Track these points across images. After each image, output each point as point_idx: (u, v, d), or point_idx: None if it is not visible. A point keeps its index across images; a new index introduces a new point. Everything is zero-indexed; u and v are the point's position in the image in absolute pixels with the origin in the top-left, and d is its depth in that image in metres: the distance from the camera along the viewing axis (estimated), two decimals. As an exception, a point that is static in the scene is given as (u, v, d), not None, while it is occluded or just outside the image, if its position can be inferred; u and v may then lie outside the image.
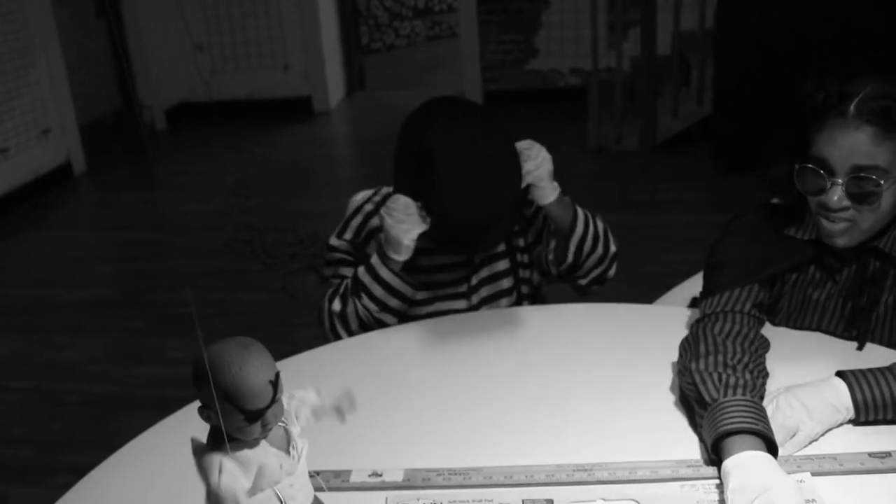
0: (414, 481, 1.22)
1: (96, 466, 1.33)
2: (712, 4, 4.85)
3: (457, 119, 1.61)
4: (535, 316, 1.75)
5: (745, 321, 1.42)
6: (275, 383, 0.91)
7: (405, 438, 1.34)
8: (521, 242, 1.85)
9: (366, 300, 1.70)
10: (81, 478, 1.31)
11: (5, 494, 2.64)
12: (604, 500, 1.16)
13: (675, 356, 1.41)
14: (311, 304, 1.80)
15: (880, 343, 1.48)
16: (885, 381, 1.26)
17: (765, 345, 1.41)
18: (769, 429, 1.18)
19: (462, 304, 1.81)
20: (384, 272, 1.69)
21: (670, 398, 1.39)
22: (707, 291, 1.51)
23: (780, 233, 1.51)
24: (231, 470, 0.91)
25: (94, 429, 2.92)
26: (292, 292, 3.81)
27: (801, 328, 1.55)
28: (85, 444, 2.81)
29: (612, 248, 1.81)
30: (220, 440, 0.93)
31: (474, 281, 1.81)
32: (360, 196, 1.96)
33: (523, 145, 1.66)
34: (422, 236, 1.64)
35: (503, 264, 1.83)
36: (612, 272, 1.83)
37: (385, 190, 1.86)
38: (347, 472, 1.25)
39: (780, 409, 1.26)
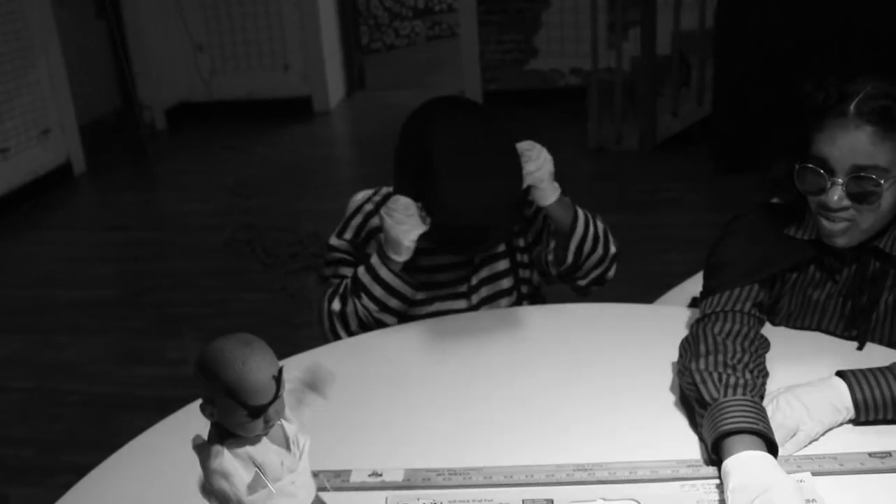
0: (414, 481, 1.22)
1: (96, 466, 1.33)
2: (712, 4, 4.85)
3: (457, 119, 1.61)
4: (535, 316, 1.75)
5: (746, 321, 1.42)
6: (278, 378, 0.91)
7: (405, 438, 1.34)
8: (521, 242, 1.85)
9: (365, 300, 1.70)
10: (81, 478, 1.31)
11: (5, 494, 2.64)
12: (604, 499, 1.16)
13: (675, 356, 1.41)
14: (311, 304, 1.80)
15: (880, 343, 1.48)
16: (885, 381, 1.26)
17: (765, 344, 1.41)
18: (769, 428, 1.18)
19: (462, 304, 1.81)
20: (384, 272, 1.69)
21: (670, 398, 1.39)
22: (707, 291, 1.51)
23: (780, 233, 1.51)
24: (230, 459, 0.91)
25: (94, 429, 2.92)
26: (292, 292, 3.81)
27: (801, 328, 1.55)
28: (85, 444, 2.81)
29: (612, 249, 1.80)
30: (222, 437, 0.93)
31: (474, 281, 1.81)
32: (360, 196, 1.96)
33: (524, 146, 1.66)
34: (422, 236, 1.64)
35: (503, 264, 1.83)
36: (611, 273, 1.83)
37: (385, 190, 1.85)
38: (347, 472, 1.24)
39: (781, 408, 1.26)
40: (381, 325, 1.73)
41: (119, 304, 3.87)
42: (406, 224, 1.62)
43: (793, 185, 1.44)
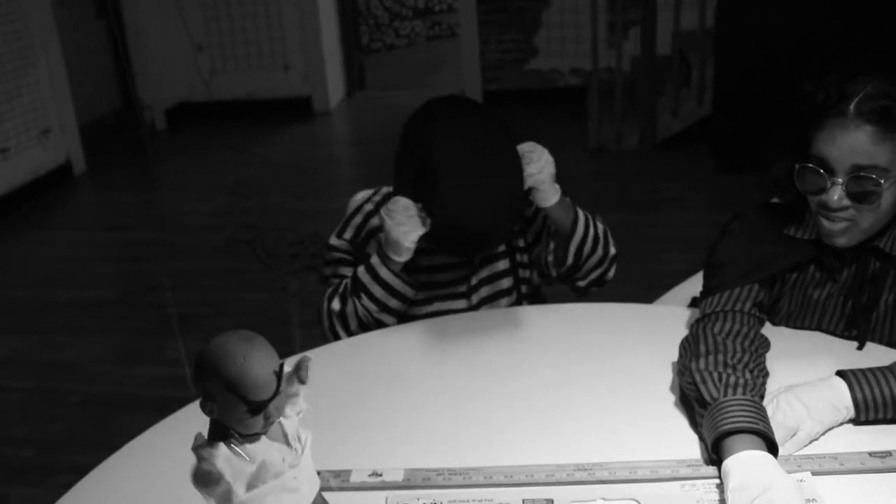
0: (414, 481, 1.22)
1: (96, 466, 1.33)
2: (712, 4, 4.85)
3: (457, 121, 1.61)
4: (535, 316, 1.75)
5: (746, 320, 1.42)
6: (279, 374, 0.91)
7: (405, 438, 1.34)
8: (521, 242, 1.85)
9: (365, 300, 1.70)
10: (81, 478, 1.31)
11: (5, 494, 2.64)
12: (604, 499, 1.16)
13: (675, 356, 1.41)
14: (312, 304, 1.80)
15: (880, 342, 1.48)
16: (885, 381, 1.26)
17: (765, 344, 1.41)
18: (769, 428, 1.18)
19: (462, 303, 1.81)
20: (384, 272, 1.68)
21: (670, 398, 1.39)
22: (707, 291, 1.51)
23: (780, 232, 1.51)
24: (226, 459, 0.91)
25: (94, 429, 2.92)
26: (293, 292, 3.80)
27: (801, 328, 1.55)
28: (85, 444, 2.81)
29: (612, 251, 1.80)
30: (222, 434, 0.93)
31: (474, 281, 1.81)
32: (361, 196, 1.96)
33: (526, 147, 1.65)
34: (422, 237, 1.64)
35: (503, 264, 1.82)
36: (611, 274, 1.83)
37: (385, 190, 1.85)
38: (347, 472, 1.24)
39: (781, 408, 1.26)
40: (380, 325, 1.73)
41: (119, 304, 3.87)
42: (407, 225, 1.61)
43: (793, 184, 1.44)
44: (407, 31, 9.30)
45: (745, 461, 1.12)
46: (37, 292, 4.07)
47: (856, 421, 1.27)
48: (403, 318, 1.76)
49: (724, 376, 1.26)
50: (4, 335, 3.64)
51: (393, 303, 1.71)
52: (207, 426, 0.95)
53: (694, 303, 1.77)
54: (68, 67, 5.66)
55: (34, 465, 2.77)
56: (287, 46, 6.83)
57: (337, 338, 1.74)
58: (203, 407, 0.93)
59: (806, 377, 1.32)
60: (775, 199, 1.57)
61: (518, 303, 1.86)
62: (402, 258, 1.67)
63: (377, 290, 1.69)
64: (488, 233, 1.65)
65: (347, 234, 1.81)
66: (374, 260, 1.70)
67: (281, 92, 6.90)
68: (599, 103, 5.42)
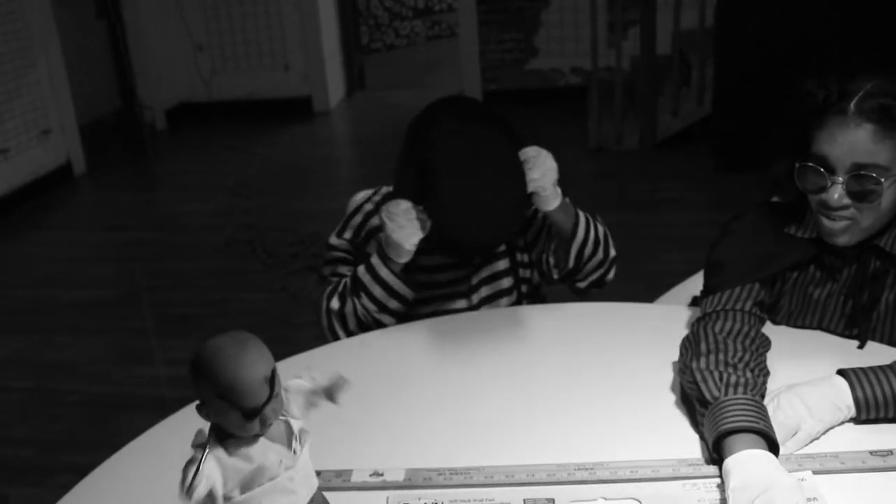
0: (415, 481, 1.22)
1: (97, 467, 1.33)
2: (712, 4, 4.85)
3: (461, 124, 1.59)
4: (535, 315, 1.75)
5: (746, 320, 1.42)
6: (271, 380, 0.90)
7: (406, 438, 1.34)
8: (521, 242, 1.84)
9: (365, 300, 1.70)
10: (81, 478, 1.31)
11: (5, 494, 2.64)
12: (605, 499, 1.16)
13: (675, 355, 1.41)
14: (312, 304, 1.80)
15: (881, 341, 1.48)
16: (886, 380, 1.26)
17: (766, 343, 1.41)
18: (770, 427, 1.18)
19: (462, 303, 1.81)
20: (384, 272, 1.68)
21: (671, 397, 1.39)
22: (707, 290, 1.51)
23: (780, 231, 1.51)
24: (221, 458, 0.91)
25: (94, 429, 2.92)
26: (293, 292, 3.80)
27: (802, 327, 1.54)
28: (85, 444, 2.81)
29: (612, 253, 1.80)
30: (221, 437, 0.93)
31: (474, 280, 1.81)
32: (361, 196, 1.96)
33: (530, 152, 1.64)
34: (423, 237, 1.64)
35: (503, 264, 1.82)
36: (610, 276, 1.83)
37: (385, 189, 1.85)
38: (349, 472, 1.24)
39: (782, 407, 1.25)
40: (379, 325, 1.73)
41: (119, 304, 3.87)
42: (407, 228, 1.61)
43: (793, 183, 1.44)
44: (407, 30, 9.30)
45: (745, 460, 1.12)
46: (37, 292, 4.07)
47: (857, 420, 1.27)
48: (404, 317, 1.75)
49: (725, 375, 1.26)
50: (4, 335, 3.64)
51: (392, 303, 1.71)
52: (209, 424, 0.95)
53: (694, 302, 1.77)
54: (68, 67, 5.66)
55: (34, 465, 2.77)
56: (287, 46, 6.84)
57: (336, 337, 1.74)
58: (199, 411, 0.93)
59: (807, 376, 1.32)
60: (776, 199, 1.57)
61: (518, 302, 1.86)
62: (403, 260, 1.66)
63: (377, 291, 1.69)
64: (488, 237, 1.65)
65: (347, 234, 1.81)
66: (374, 260, 1.70)
67: (281, 92, 6.91)
68: (599, 103, 5.42)
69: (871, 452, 1.20)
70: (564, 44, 6.56)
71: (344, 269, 1.79)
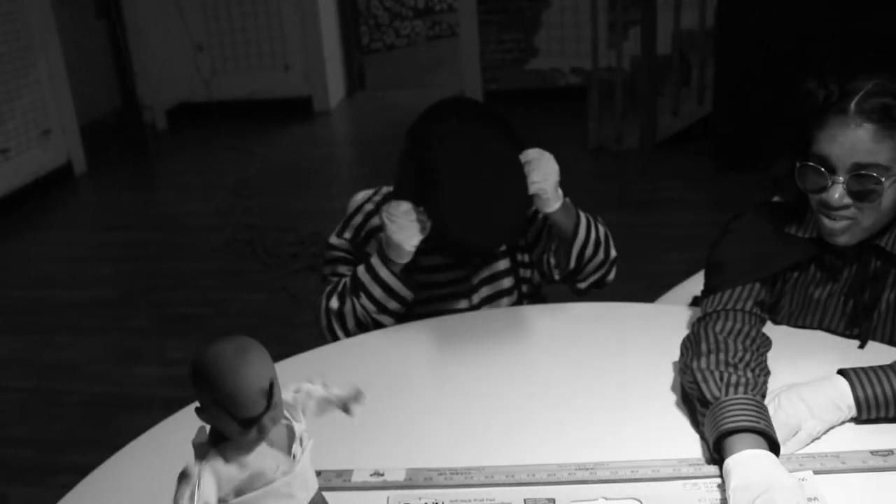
0: (416, 481, 1.22)
1: (97, 467, 1.33)
2: (712, 4, 4.85)
3: (462, 125, 1.58)
4: (536, 315, 1.75)
5: (747, 319, 1.42)
6: (269, 392, 0.90)
7: (407, 438, 1.34)
8: (522, 242, 1.84)
9: (364, 300, 1.69)
10: (81, 478, 1.31)
11: (5, 494, 2.64)
12: (605, 498, 1.16)
13: (676, 355, 1.41)
14: (312, 304, 1.80)
15: (882, 341, 1.48)
16: (886, 379, 1.26)
17: (766, 343, 1.41)
18: (771, 427, 1.18)
19: (462, 303, 1.81)
20: (384, 273, 1.68)
21: (672, 397, 1.39)
22: (708, 290, 1.51)
23: (780, 231, 1.51)
24: (215, 465, 0.90)
25: (94, 429, 2.92)
26: (293, 292, 3.80)
27: (802, 327, 1.54)
28: (85, 444, 2.81)
29: (613, 254, 1.80)
30: (219, 439, 0.93)
31: (474, 280, 1.81)
32: (361, 195, 1.96)
33: (532, 154, 1.63)
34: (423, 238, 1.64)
35: (503, 264, 1.82)
36: (611, 277, 1.83)
37: (385, 190, 1.85)
38: (349, 472, 1.24)
39: (782, 407, 1.25)
40: (378, 325, 1.72)
41: (119, 304, 3.87)
42: (408, 230, 1.61)
43: (794, 183, 1.44)
44: (407, 30, 9.30)
45: (746, 460, 1.12)
46: (37, 292, 4.07)
47: (857, 420, 1.27)
48: (404, 317, 1.75)
49: (726, 375, 1.26)
50: (4, 335, 3.64)
51: (392, 304, 1.70)
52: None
53: (695, 302, 1.77)
54: (68, 67, 5.66)
55: (34, 465, 2.76)
56: (287, 46, 6.83)
57: (335, 337, 1.74)
58: (198, 413, 0.93)
59: (807, 376, 1.32)
60: (776, 199, 1.57)
61: (519, 302, 1.85)
62: (403, 261, 1.66)
63: (376, 291, 1.69)
64: (489, 238, 1.64)
65: (347, 234, 1.81)
66: (374, 260, 1.70)
67: (281, 92, 6.91)
68: (599, 103, 5.42)
69: (872, 452, 1.20)
70: (565, 44, 6.56)
71: (344, 269, 1.79)
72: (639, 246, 3.66)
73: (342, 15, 7.28)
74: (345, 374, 1.53)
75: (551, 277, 1.83)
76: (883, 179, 1.34)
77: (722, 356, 1.31)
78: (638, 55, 5.45)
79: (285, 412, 0.97)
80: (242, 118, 6.80)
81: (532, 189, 1.62)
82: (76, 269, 4.31)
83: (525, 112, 5.64)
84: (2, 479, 2.70)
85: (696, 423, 1.29)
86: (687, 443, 1.27)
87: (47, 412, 3.06)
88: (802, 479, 1.15)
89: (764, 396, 1.28)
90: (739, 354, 1.32)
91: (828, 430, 1.26)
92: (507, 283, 1.83)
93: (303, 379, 1.03)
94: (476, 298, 1.81)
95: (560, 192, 1.67)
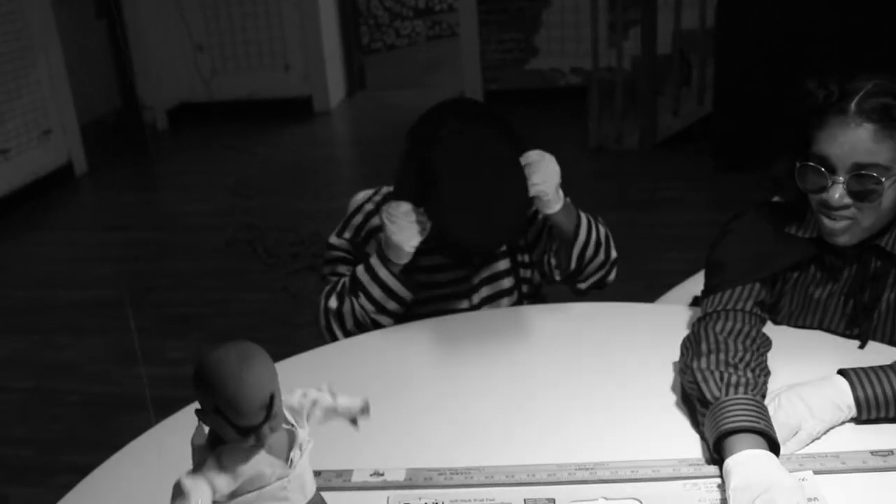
0: (416, 481, 1.22)
1: (97, 467, 1.33)
2: (713, 3, 4.84)
3: (464, 127, 1.58)
4: (536, 315, 1.75)
5: (747, 319, 1.42)
6: (269, 405, 0.89)
7: (407, 438, 1.34)
8: (522, 242, 1.84)
9: (363, 300, 1.69)
10: (81, 478, 1.31)
11: (5, 494, 2.64)
12: (606, 498, 1.16)
13: (676, 355, 1.41)
14: (313, 304, 1.80)
15: (882, 341, 1.48)
16: (886, 379, 1.26)
17: (766, 343, 1.41)
18: (771, 427, 1.18)
19: (463, 303, 1.81)
20: (383, 273, 1.68)
21: (672, 397, 1.39)
22: (708, 290, 1.51)
23: (780, 231, 1.51)
24: (199, 485, 0.90)
25: (94, 429, 2.92)
26: (294, 292, 3.80)
27: (802, 327, 1.54)
28: (85, 444, 2.81)
29: (613, 254, 1.80)
30: (218, 442, 0.93)
31: (475, 280, 1.81)
32: (361, 195, 1.96)
33: (534, 156, 1.63)
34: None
35: (504, 264, 1.82)
36: (611, 277, 1.83)
37: (385, 190, 1.85)
38: (349, 472, 1.24)
39: (782, 407, 1.25)
40: (377, 326, 1.72)
41: (119, 304, 3.87)
42: (407, 230, 1.61)
43: (794, 183, 1.44)
44: (407, 30, 9.30)
45: (746, 460, 1.12)
46: (37, 293, 4.07)
47: (858, 420, 1.27)
48: (404, 317, 1.75)
49: (726, 375, 1.26)
50: (5, 335, 3.64)
51: (391, 305, 1.70)
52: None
53: (695, 302, 1.77)
54: (68, 67, 5.66)
55: (34, 465, 2.76)
56: (287, 46, 6.84)
57: (333, 337, 1.73)
58: (198, 415, 0.92)
59: (807, 376, 1.32)
60: (776, 198, 1.57)
61: (519, 302, 1.85)
62: (402, 261, 1.66)
63: (375, 291, 1.69)
64: (488, 239, 1.64)
65: (347, 234, 1.80)
66: (374, 260, 1.69)
67: (281, 92, 6.91)
68: (600, 103, 5.42)
69: (872, 452, 1.20)
70: (565, 44, 6.55)
71: (343, 269, 1.79)
72: (639, 246, 3.66)
73: (342, 15, 7.28)
74: (344, 374, 1.54)
75: (552, 278, 1.83)
76: (883, 179, 1.34)
77: (722, 356, 1.31)
78: (638, 55, 5.45)
79: (289, 417, 0.97)
80: (243, 118, 6.80)
81: (533, 191, 1.62)
82: (76, 269, 4.31)
83: (525, 112, 5.64)
84: (2, 479, 2.70)
85: (696, 423, 1.29)
86: (687, 443, 1.27)
87: (47, 412, 3.06)
88: (802, 479, 1.14)
89: (764, 396, 1.28)
90: (739, 354, 1.32)
91: (828, 431, 1.26)
92: (507, 283, 1.83)
93: (305, 380, 1.03)
94: (476, 298, 1.81)
95: (561, 193, 1.67)
